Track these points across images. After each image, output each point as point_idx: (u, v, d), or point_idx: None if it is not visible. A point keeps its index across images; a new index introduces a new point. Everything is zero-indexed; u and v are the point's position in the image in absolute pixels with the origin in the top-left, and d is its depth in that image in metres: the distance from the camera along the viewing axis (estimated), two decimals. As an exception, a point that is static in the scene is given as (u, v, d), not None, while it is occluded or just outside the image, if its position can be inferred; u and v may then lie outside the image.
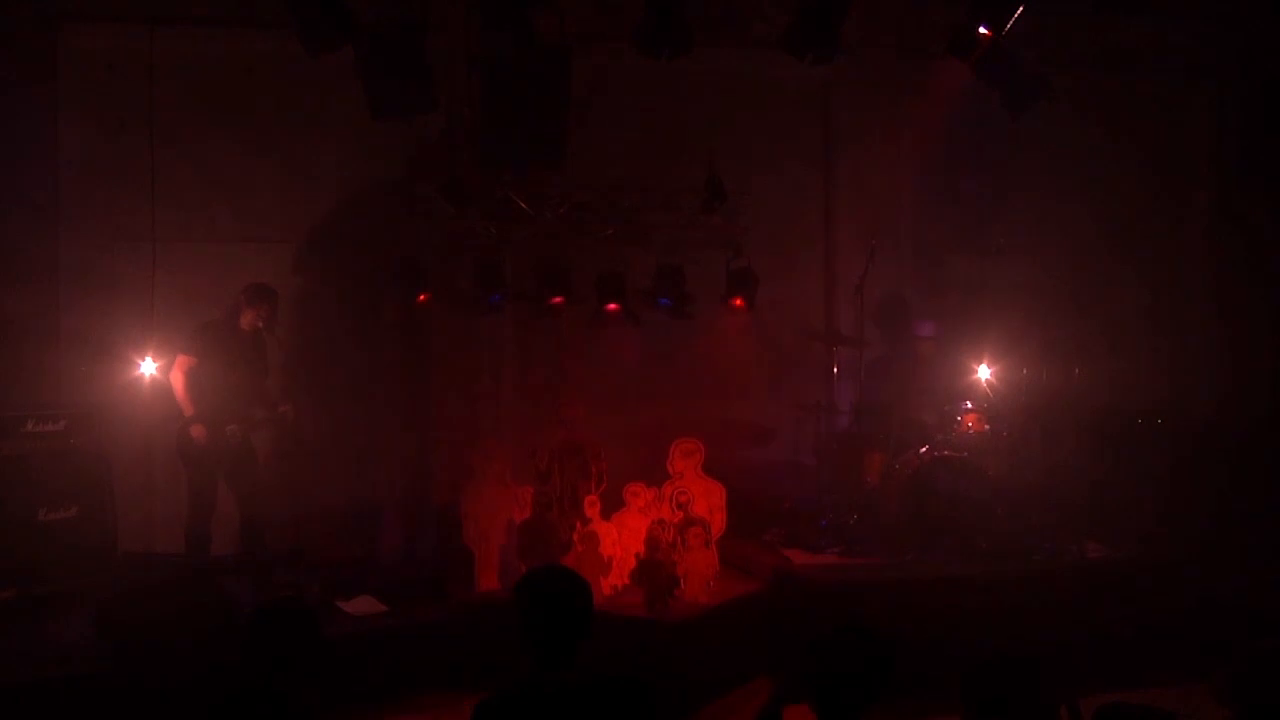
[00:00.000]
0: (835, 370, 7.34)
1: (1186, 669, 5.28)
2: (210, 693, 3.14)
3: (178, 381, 6.02)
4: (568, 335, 7.43)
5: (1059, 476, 6.99)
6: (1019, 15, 6.01)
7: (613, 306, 7.03)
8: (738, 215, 7.18)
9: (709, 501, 6.52)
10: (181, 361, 6.04)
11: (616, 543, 6.17)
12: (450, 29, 6.44)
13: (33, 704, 4.58)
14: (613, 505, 6.36)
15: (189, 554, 6.02)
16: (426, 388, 7.38)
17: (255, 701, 3.11)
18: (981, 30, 6.14)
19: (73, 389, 6.55)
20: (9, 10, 6.68)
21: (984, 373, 7.07)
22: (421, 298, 6.99)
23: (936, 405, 7.05)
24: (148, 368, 6.14)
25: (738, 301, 7.27)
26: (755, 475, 7.39)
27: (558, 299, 7.00)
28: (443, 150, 6.93)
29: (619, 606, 5.86)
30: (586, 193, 7.18)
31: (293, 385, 6.55)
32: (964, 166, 7.88)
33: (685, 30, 5.89)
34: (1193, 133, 8.67)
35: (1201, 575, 6.11)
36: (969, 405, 6.96)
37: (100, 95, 6.94)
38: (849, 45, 6.26)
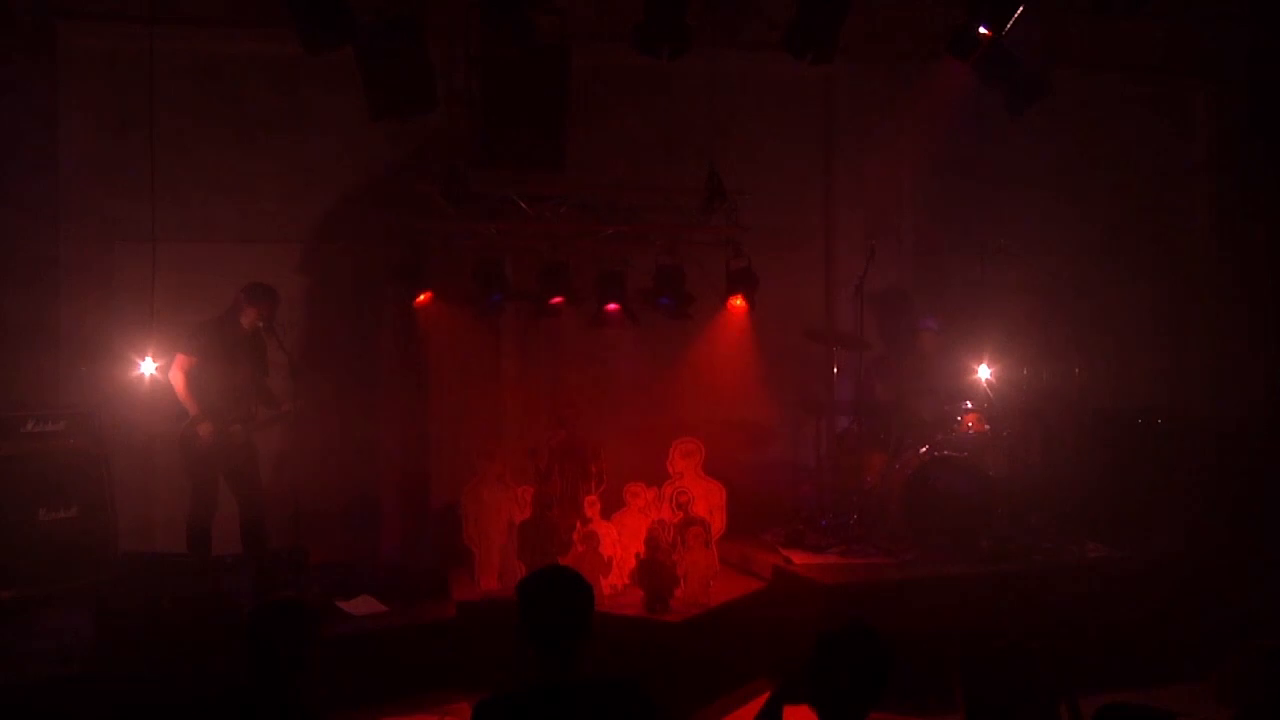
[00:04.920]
0: (835, 370, 7.33)
1: (1186, 669, 5.27)
2: (210, 692, 3.13)
3: (178, 382, 6.00)
4: (568, 335, 7.43)
5: (1059, 476, 6.99)
6: (1019, 15, 6.02)
7: (613, 306, 7.03)
8: (738, 215, 7.18)
9: (709, 501, 6.52)
10: (181, 361, 6.02)
11: (616, 543, 6.18)
12: (450, 29, 6.44)
13: (33, 704, 4.58)
14: (613, 505, 6.37)
15: (189, 554, 6.02)
16: (426, 388, 7.37)
17: (254, 701, 3.11)
18: (981, 30, 6.15)
19: (73, 389, 6.55)
20: (9, 10, 6.67)
21: (984, 372, 7.06)
22: (421, 298, 6.99)
23: (937, 405, 7.05)
24: (148, 368, 6.13)
25: (738, 301, 7.28)
26: (755, 475, 7.39)
27: (558, 299, 7.00)
28: (443, 150, 6.93)
29: (619, 606, 5.87)
30: (586, 193, 7.18)
31: (292, 385, 6.55)
32: (964, 166, 7.88)
33: (685, 30, 5.89)
34: (1193, 133, 8.67)
35: (1202, 575, 6.11)
36: (969, 405, 6.96)
37: (100, 95, 6.95)
38: (849, 45, 6.27)
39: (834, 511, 7.01)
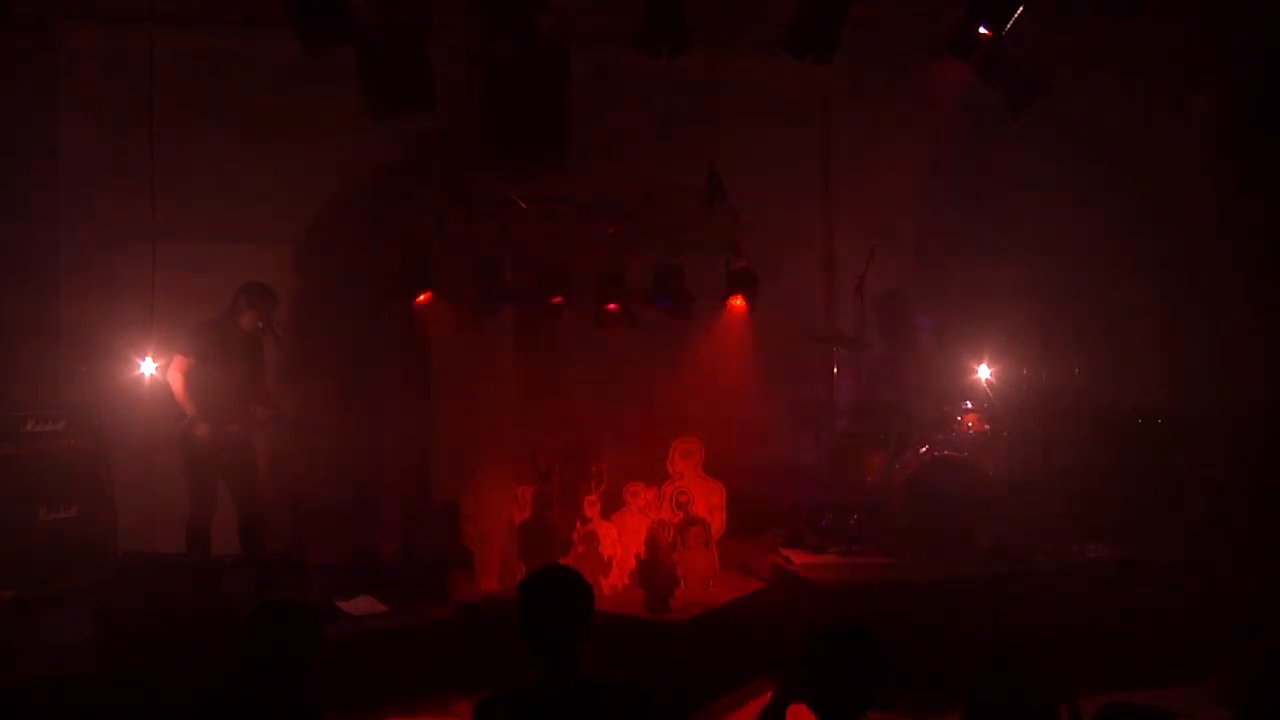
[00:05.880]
0: (835, 370, 7.33)
1: (1186, 669, 5.28)
2: (209, 693, 3.13)
3: (176, 382, 6.00)
4: (568, 335, 7.43)
5: (1059, 476, 6.99)
6: (1019, 15, 6.02)
7: (613, 306, 7.03)
8: (738, 215, 7.18)
9: (709, 501, 6.52)
10: (179, 362, 6.02)
11: (616, 543, 6.18)
12: (450, 29, 6.44)
13: (33, 704, 4.58)
14: (613, 505, 6.36)
15: (189, 554, 6.02)
16: (426, 387, 7.37)
17: (255, 701, 3.11)
18: (981, 30, 6.15)
19: (73, 389, 6.54)
20: (9, 10, 6.67)
21: (984, 373, 7.05)
22: (421, 298, 6.99)
23: (936, 404, 7.04)
24: (148, 368, 6.13)
25: (738, 301, 7.28)
26: (755, 475, 7.38)
27: (558, 299, 7.00)
28: (443, 150, 6.93)
29: (619, 606, 5.86)
30: (586, 193, 7.18)
31: (291, 385, 6.56)
32: (964, 166, 7.87)
33: (685, 30, 5.89)
34: (1192, 133, 8.66)
35: (1202, 575, 6.11)
36: (969, 405, 6.96)
37: (100, 95, 6.94)
38: (849, 45, 6.27)
39: (834, 511, 7.00)
